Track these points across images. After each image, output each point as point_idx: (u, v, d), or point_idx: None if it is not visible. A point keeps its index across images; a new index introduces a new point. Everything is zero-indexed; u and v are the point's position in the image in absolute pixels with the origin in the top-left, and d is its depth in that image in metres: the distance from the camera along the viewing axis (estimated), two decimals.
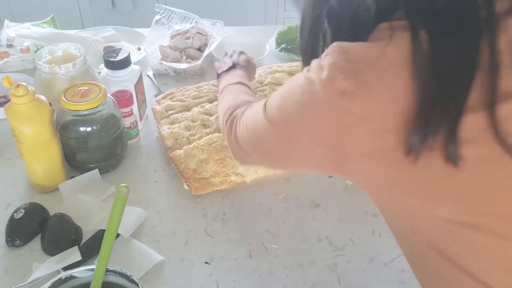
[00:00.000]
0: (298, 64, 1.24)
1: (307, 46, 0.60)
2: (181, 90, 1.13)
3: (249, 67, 0.99)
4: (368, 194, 0.56)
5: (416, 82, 0.44)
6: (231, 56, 1.03)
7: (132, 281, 0.64)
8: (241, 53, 1.03)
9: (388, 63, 0.45)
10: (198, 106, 1.07)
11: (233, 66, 0.96)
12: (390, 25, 0.47)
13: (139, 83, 1.06)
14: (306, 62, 0.56)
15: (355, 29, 0.51)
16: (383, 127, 0.46)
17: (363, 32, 0.50)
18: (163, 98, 1.11)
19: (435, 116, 0.44)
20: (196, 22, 1.35)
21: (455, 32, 0.44)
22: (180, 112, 1.06)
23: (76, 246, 0.79)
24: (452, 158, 0.44)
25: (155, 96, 1.16)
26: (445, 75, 0.44)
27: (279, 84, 1.15)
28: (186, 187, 0.91)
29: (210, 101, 1.09)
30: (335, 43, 0.49)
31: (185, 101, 1.09)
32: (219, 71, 0.98)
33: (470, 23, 0.44)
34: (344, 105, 0.47)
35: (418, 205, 0.49)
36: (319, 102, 0.49)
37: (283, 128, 0.57)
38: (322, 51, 0.52)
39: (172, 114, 1.06)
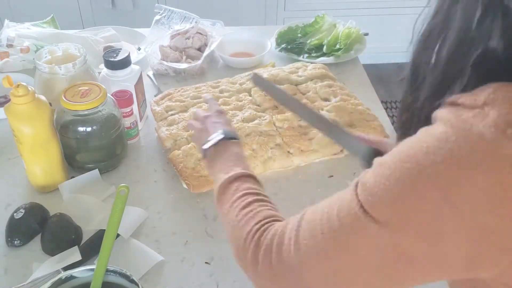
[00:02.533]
0: (298, 65, 1.23)
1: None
2: (179, 91, 1.13)
3: (235, 130, 0.78)
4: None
5: None
6: (207, 117, 0.79)
7: (132, 281, 0.64)
8: (219, 112, 0.80)
9: None
10: (195, 107, 1.07)
11: (222, 139, 0.72)
12: None
13: (139, 83, 1.06)
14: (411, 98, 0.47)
15: None
16: None
17: None
18: (161, 99, 1.10)
19: None
20: (196, 22, 1.35)
21: None
22: (179, 112, 1.06)
23: (76, 246, 0.79)
24: None
25: (155, 96, 1.16)
26: None
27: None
28: (185, 185, 0.91)
29: (207, 101, 1.09)
30: (495, 85, 0.40)
31: (184, 101, 1.09)
32: (206, 146, 0.73)
33: None
34: None
35: None
36: (480, 156, 0.38)
37: (412, 221, 0.41)
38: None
39: (171, 115, 1.05)
